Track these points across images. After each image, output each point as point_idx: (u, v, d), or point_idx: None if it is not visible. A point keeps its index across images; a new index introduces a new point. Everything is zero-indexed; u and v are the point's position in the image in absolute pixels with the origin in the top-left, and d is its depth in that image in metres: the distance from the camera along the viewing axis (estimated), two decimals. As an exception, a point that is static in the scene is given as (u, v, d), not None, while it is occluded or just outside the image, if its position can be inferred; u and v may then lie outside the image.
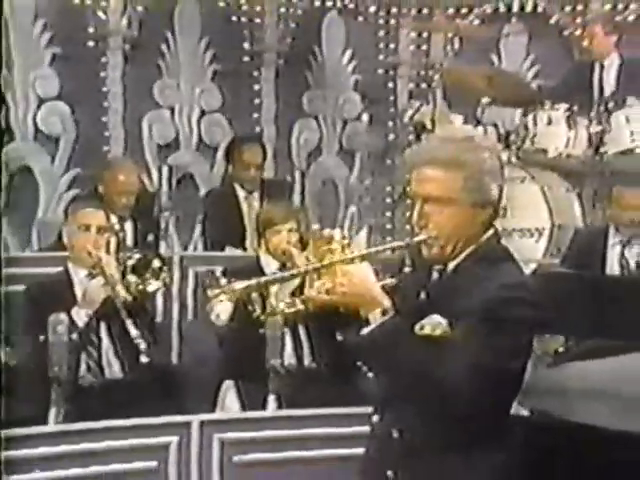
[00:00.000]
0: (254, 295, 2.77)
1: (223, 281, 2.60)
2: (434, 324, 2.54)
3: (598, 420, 3.90)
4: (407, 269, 2.77)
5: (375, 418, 2.72)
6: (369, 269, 2.61)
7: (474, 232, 2.62)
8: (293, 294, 2.74)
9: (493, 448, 2.60)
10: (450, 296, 2.58)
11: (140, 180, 6.39)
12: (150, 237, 6.30)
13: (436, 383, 2.50)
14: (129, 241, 6.01)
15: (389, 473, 2.64)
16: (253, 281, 2.62)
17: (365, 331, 2.56)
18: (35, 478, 3.94)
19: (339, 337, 4.70)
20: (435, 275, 2.66)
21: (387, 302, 2.57)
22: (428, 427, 2.58)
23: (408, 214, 2.75)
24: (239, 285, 2.58)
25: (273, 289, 2.88)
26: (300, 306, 2.73)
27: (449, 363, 2.49)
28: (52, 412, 4.36)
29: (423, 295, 2.64)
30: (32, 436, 4.05)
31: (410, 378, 2.55)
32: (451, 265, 2.63)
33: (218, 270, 5.12)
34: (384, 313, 2.56)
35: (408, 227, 2.83)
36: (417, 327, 2.55)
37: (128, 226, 6.10)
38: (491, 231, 2.65)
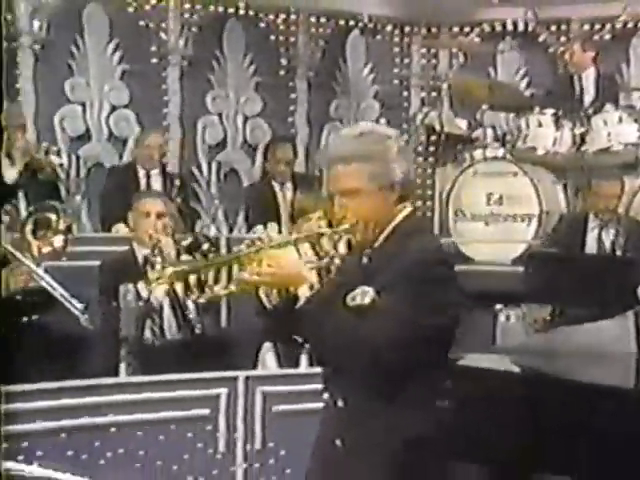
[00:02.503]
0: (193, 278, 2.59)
1: (158, 266, 2.50)
2: (362, 293, 2.38)
3: (581, 376, 3.86)
4: (337, 255, 2.54)
5: (325, 395, 2.51)
6: (294, 252, 2.50)
7: (388, 212, 2.46)
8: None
9: (431, 401, 2.42)
10: (378, 271, 2.41)
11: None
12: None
13: (368, 346, 2.32)
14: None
15: (337, 442, 2.43)
16: (185, 266, 2.54)
17: (297, 306, 2.44)
18: (108, 421, 3.93)
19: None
20: (365, 259, 2.50)
21: (313, 278, 2.45)
22: (368, 391, 2.38)
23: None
24: (169, 270, 2.49)
25: (210, 274, 2.62)
26: (233, 288, 2.52)
27: (379, 326, 2.32)
28: (122, 366, 4.34)
29: (356, 275, 2.46)
30: (106, 386, 4.04)
31: (342, 344, 2.36)
32: (376, 245, 2.47)
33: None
34: (311, 288, 2.43)
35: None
36: (349, 299, 2.38)
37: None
38: (408, 209, 2.49)
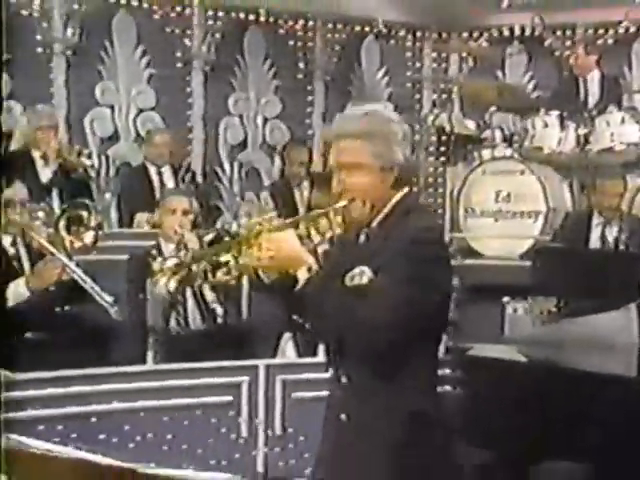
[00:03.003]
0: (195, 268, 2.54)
1: (159, 258, 2.44)
2: (360, 273, 2.33)
3: (586, 365, 3.85)
4: (332, 235, 2.45)
5: (329, 372, 2.46)
6: (292, 234, 2.41)
7: (385, 192, 2.41)
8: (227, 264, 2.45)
9: (431, 378, 2.40)
10: (375, 250, 2.37)
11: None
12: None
13: (366, 325, 2.27)
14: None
15: (342, 416, 2.40)
16: (183, 258, 2.46)
17: (297, 288, 2.36)
18: (136, 407, 3.96)
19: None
20: (362, 237, 2.43)
21: (311, 260, 2.37)
22: (368, 370, 2.33)
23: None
24: (170, 262, 2.43)
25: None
26: (235, 273, 2.44)
27: (377, 305, 2.27)
28: (149, 354, 4.38)
29: (352, 254, 2.42)
30: (134, 373, 4.07)
31: (342, 324, 2.31)
32: (373, 224, 2.41)
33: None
34: (309, 270, 2.36)
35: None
36: (347, 279, 2.34)
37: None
38: (405, 190, 2.44)
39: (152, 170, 6.30)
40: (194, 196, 5.61)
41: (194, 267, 2.45)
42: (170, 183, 6.24)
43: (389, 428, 2.33)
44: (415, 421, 2.33)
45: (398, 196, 2.43)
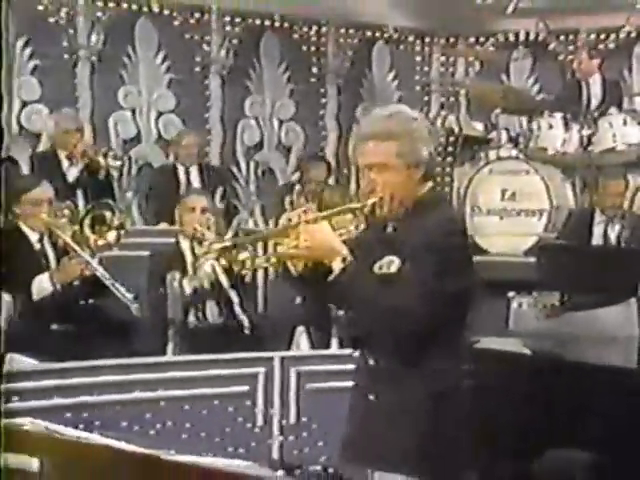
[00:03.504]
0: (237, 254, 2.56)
1: (206, 242, 2.45)
2: (389, 262, 2.38)
3: (588, 357, 3.84)
4: (362, 226, 2.48)
5: (356, 353, 2.51)
6: (328, 227, 2.44)
7: (412, 188, 2.45)
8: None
9: (455, 362, 2.44)
10: (401, 241, 2.41)
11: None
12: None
13: (394, 311, 2.33)
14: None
15: (371, 397, 2.46)
16: (228, 242, 2.49)
17: (331, 277, 2.40)
18: (157, 396, 3.97)
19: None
20: (389, 229, 2.47)
21: (345, 251, 2.41)
22: (396, 354, 2.39)
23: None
24: (217, 245, 2.46)
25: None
26: (273, 260, 2.47)
27: (403, 292, 2.33)
28: (169, 346, 4.38)
29: (381, 244, 2.46)
30: (155, 364, 4.08)
31: (372, 310, 2.37)
32: (400, 216, 2.46)
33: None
34: (344, 260, 2.40)
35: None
36: (376, 268, 2.39)
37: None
38: (429, 185, 2.49)
39: (181, 170, 6.32)
40: (218, 195, 5.64)
41: (239, 254, 2.49)
42: (196, 183, 6.24)
43: (415, 407, 2.39)
44: (438, 400, 2.39)
45: (423, 190, 2.47)
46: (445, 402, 2.40)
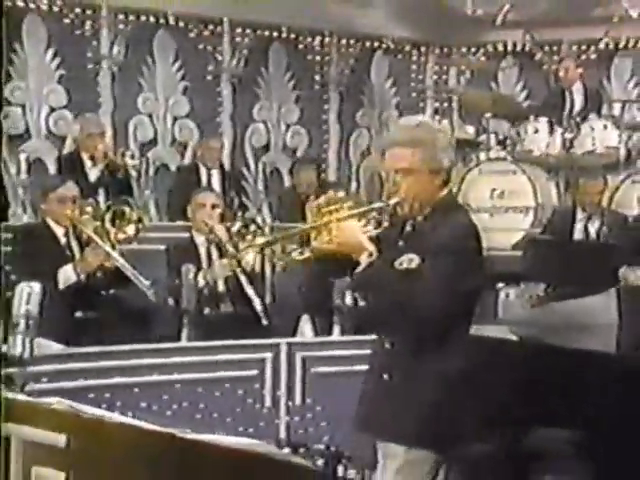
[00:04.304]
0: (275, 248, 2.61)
1: (249, 237, 2.51)
2: (409, 259, 2.45)
3: (571, 343, 3.84)
4: (385, 224, 2.58)
5: (365, 338, 2.66)
6: (357, 225, 2.53)
7: (432, 192, 2.51)
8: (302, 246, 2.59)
9: (461, 346, 2.49)
10: (420, 240, 2.48)
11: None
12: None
13: (412, 302, 2.39)
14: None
15: (385, 376, 2.51)
16: (271, 237, 2.60)
17: (357, 270, 2.48)
18: (173, 379, 3.98)
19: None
20: (408, 227, 2.55)
21: (372, 247, 2.49)
22: (413, 341, 2.46)
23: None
24: (260, 240, 2.54)
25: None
26: (308, 254, 2.55)
27: (422, 287, 2.40)
28: (184, 333, 4.39)
29: (401, 242, 2.53)
30: (170, 349, 4.09)
31: (393, 302, 2.44)
32: (419, 218, 2.53)
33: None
34: (370, 255, 2.47)
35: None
36: (397, 263, 2.46)
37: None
38: (446, 190, 2.55)
39: (203, 171, 6.33)
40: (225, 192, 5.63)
41: (276, 247, 2.58)
42: (216, 185, 6.22)
43: (424, 385, 2.44)
44: (448, 381, 2.45)
45: (442, 195, 2.53)
46: (450, 382, 2.45)
